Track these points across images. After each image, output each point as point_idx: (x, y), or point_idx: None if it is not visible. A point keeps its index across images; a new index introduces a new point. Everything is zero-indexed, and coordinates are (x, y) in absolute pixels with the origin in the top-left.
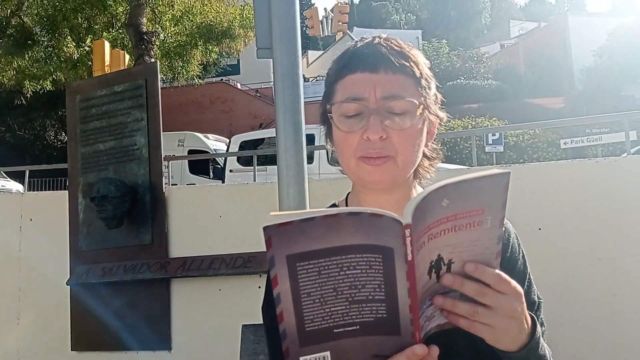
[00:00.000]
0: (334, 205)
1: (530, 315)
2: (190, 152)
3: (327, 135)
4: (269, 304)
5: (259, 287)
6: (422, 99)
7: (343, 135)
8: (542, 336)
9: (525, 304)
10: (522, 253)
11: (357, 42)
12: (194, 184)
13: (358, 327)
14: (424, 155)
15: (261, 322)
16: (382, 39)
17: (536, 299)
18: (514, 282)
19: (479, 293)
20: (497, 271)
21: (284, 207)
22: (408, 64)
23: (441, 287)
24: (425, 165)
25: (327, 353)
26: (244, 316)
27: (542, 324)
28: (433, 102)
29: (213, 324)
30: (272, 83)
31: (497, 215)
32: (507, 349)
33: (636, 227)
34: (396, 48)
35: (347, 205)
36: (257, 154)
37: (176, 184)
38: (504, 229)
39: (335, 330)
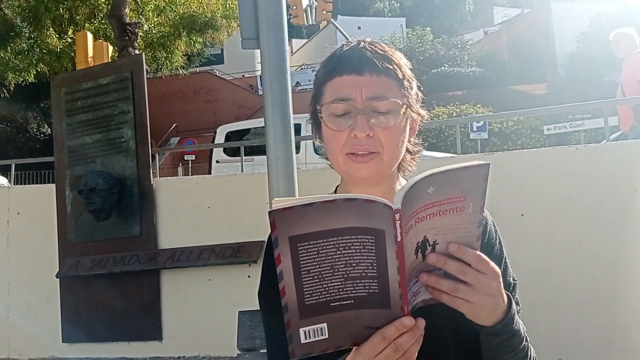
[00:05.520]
0: None
1: (507, 294)
2: None
3: (316, 133)
4: (266, 289)
5: (249, 276)
6: (405, 99)
7: (332, 134)
8: (517, 314)
9: (502, 284)
10: (499, 239)
11: (343, 45)
12: None
13: (352, 301)
14: (407, 150)
15: (256, 308)
16: (366, 43)
17: (511, 280)
18: (492, 263)
19: (460, 271)
20: (478, 252)
21: (274, 198)
22: (391, 67)
23: (426, 265)
24: (408, 159)
25: (324, 324)
26: (234, 305)
27: (517, 303)
28: (415, 101)
29: (203, 313)
30: (257, 73)
31: (478, 201)
32: (484, 324)
33: (615, 211)
34: (380, 52)
35: None
36: (244, 145)
37: None
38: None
39: (332, 304)
